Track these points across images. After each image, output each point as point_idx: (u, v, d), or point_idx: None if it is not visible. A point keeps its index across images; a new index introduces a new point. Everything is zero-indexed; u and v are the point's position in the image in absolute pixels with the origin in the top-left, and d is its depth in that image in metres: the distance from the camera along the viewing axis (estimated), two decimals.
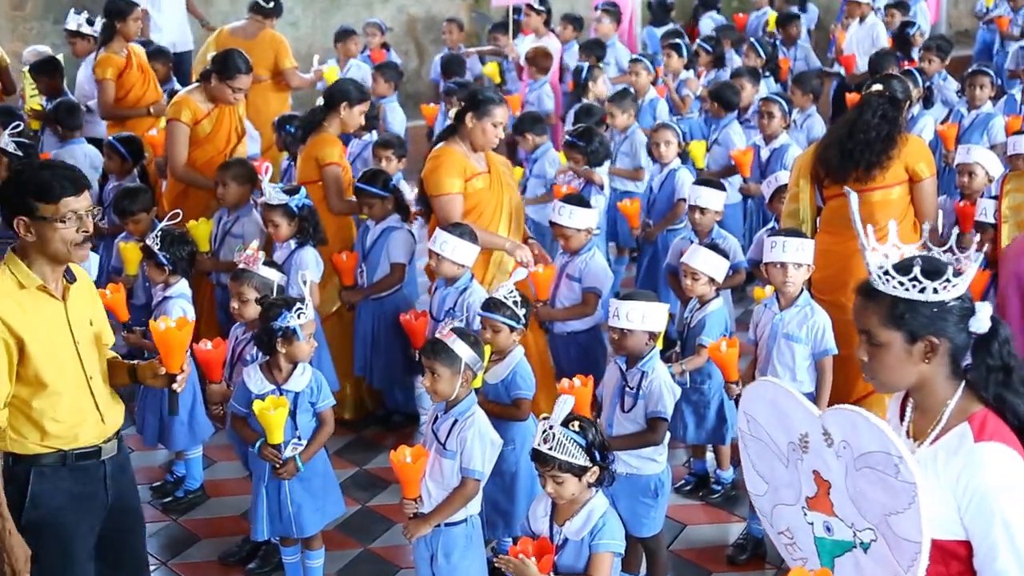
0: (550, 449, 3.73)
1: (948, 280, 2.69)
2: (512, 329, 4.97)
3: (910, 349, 2.72)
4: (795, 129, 8.24)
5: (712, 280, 5.52)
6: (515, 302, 4.96)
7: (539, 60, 10.00)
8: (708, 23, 12.60)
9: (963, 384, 2.77)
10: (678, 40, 10.23)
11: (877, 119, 5.57)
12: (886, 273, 2.70)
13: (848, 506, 2.67)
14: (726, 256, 5.65)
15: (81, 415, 3.86)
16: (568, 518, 3.83)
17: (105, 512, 3.97)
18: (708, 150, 8.16)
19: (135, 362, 4.10)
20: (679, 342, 5.75)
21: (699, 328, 5.48)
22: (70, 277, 3.87)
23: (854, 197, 2.80)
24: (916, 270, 2.68)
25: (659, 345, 4.94)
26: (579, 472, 3.75)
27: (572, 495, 3.79)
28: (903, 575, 2.60)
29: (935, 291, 2.69)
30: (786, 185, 6.17)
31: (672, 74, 9.85)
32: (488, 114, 5.89)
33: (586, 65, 9.56)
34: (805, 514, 2.80)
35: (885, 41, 10.81)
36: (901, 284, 2.69)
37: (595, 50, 10.57)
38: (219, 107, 7.04)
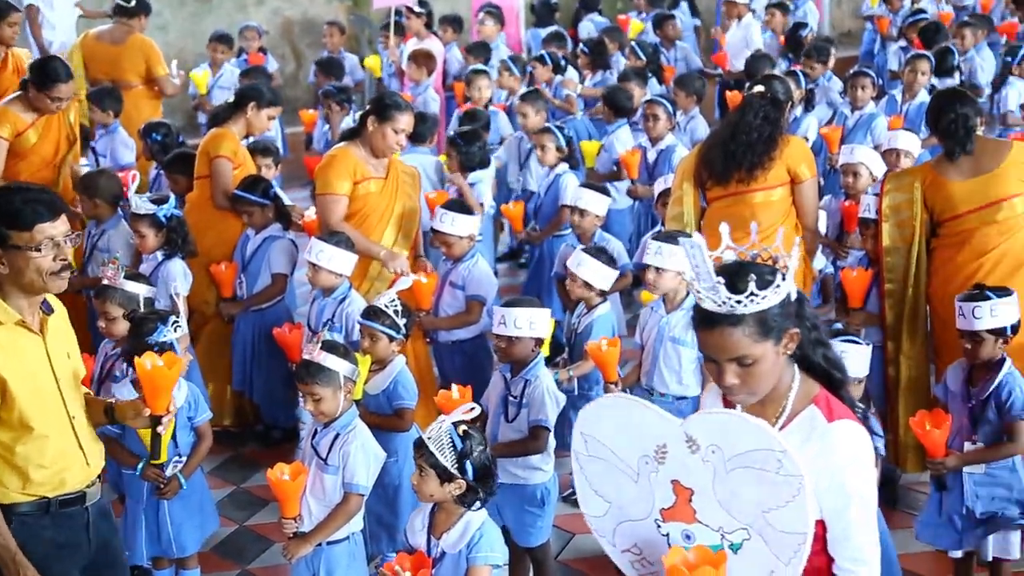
0: (428, 439, 3.67)
1: (785, 269, 2.69)
2: (392, 339, 4.88)
3: (777, 349, 2.70)
4: (679, 131, 8.24)
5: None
6: (395, 311, 4.89)
7: (421, 60, 9.87)
8: (588, 25, 12.61)
9: (796, 366, 2.78)
10: (542, 52, 10.21)
11: (759, 120, 5.60)
12: (750, 295, 2.63)
13: (716, 510, 2.65)
14: (613, 262, 5.62)
15: (66, 459, 3.59)
16: (445, 530, 3.73)
17: (88, 562, 3.70)
18: (598, 153, 8.13)
19: (113, 400, 3.81)
20: (567, 348, 5.68)
21: (586, 333, 5.44)
22: (47, 308, 3.59)
23: (699, 239, 2.68)
24: (779, 277, 2.67)
25: (545, 352, 4.87)
26: (443, 474, 3.64)
27: (430, 495, 3.70)
28: (783, 568, 2.61)
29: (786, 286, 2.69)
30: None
31: (545, 83, 9.79)
32: (391, 119, 5.82)
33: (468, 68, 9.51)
34: (659, 526, 2.76)
35: (759, 42, 10.95)
36: (765, 298, 2.64)
37: (480, 52, 10.48)
38: (45, 116, 6.77)
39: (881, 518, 4.14)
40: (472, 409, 3.78)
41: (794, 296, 2.73)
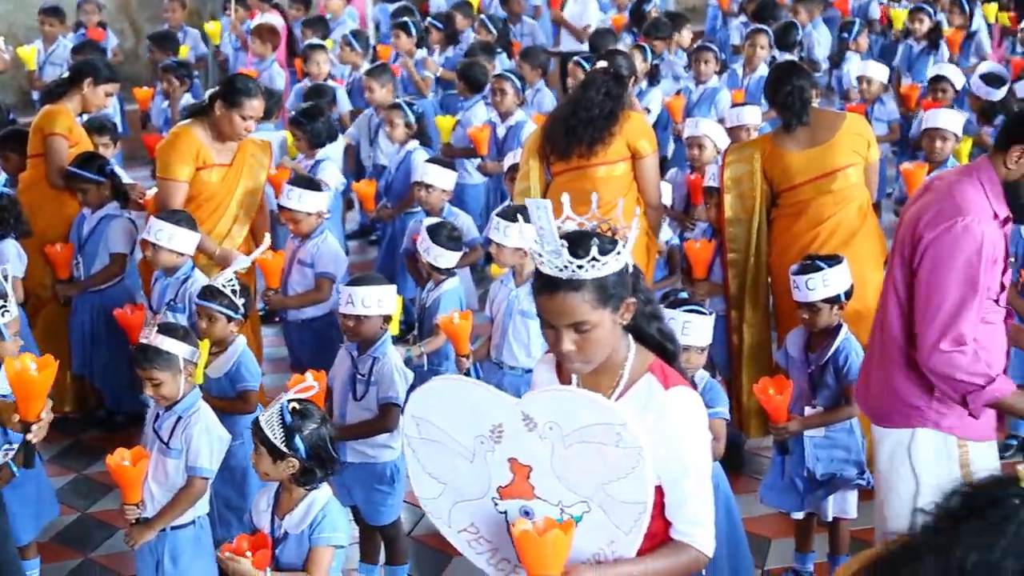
0: (260, 416, 3.62)
1: (624, 239, 2.70)
2: (230, 319, 4.79)
3: (614, 317, 2.71)
4: (526, 105, 8.25)
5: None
6: (234, 291, 4.80)
7: (265, 35, 9.68)
8: (439, 0, 12.53)
9: (631, 337, 2.80)
10: (406, 19, 10.09)
11: (601, 96, 5.63)
12: (592, 260, 2.63)
13: (555, 485, 2.65)
14: (459, 238, 5.62)
15: None
16: (288, 511, 3.67)
17: None
18: (452, 129, 8.09)
19: None
20: (417, 324, 5.66)
21: (434, 308, 5.44)
22: None
23: (547, 207, 2.67)
24: (620, 244, 2.67)
25: (394, 331, 4.83)
26: (273, 451, 3.58)
27: (265, 473, 3.64)
28: (623, 537, 2.63)
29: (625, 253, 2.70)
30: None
31: (406, 54, 9.70)
32: (239, 105, 5.65)
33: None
34: (496, 504, 2.75)
35: (594, 17, 11.04)
36: (605, 264, 2.64)
37: (318, 27, 10.32)
38: None
39: (726, 482, 4.24)
40: (310, 388, 3.71)
41: (631, 268, 2.75)
